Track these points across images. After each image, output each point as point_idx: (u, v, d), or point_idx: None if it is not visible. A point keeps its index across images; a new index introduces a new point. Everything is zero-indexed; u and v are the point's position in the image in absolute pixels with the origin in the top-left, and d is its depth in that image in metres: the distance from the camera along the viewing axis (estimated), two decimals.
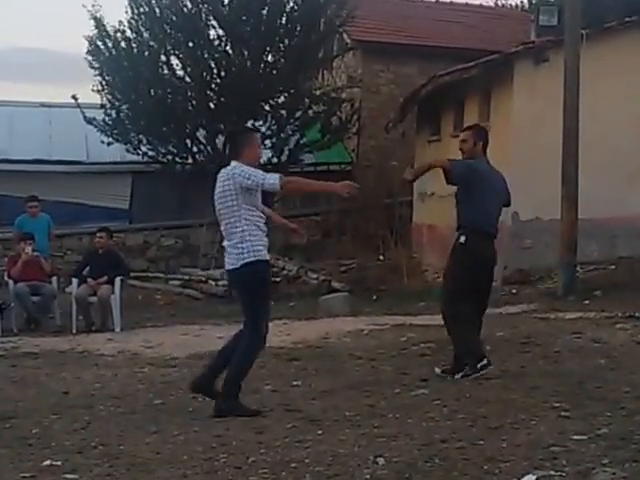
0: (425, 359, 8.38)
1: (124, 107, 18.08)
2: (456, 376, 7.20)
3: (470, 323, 7.32)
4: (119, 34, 17.86)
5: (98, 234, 12.51)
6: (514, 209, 13.93)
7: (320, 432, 5.60)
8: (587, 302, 11.58)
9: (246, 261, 6.28)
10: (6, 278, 12.09)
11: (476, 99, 15.32)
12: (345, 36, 20.68)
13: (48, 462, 5.17)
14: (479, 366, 7.07)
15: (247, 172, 6.29)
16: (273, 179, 6.30)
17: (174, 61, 17.97)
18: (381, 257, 17.25)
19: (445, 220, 16.16)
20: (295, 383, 7.47)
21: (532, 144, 13.72)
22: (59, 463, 5.15)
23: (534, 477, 4.29)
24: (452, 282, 7.45)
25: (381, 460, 4.80)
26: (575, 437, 5.00)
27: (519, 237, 14.02)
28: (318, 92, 18.99)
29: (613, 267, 13.66)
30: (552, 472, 4.37)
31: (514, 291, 13.44)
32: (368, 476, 4.54)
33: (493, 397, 6.31)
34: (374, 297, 14.79)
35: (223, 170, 6.43)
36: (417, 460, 4.76)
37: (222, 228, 6.42)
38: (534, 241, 13.85)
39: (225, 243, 6.40)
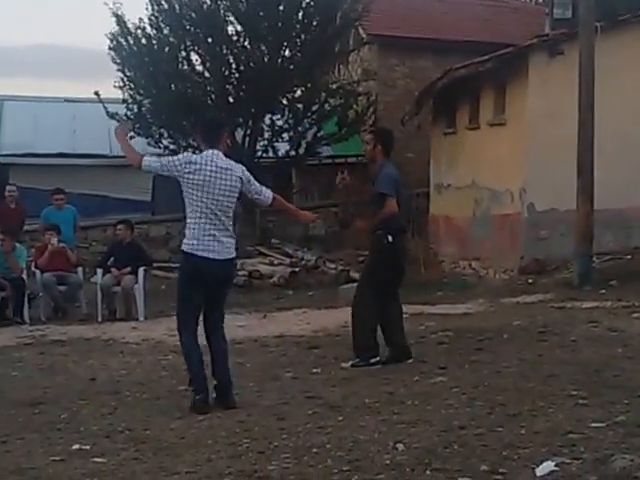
0: (443, 347, 8.46)
1: (145, 102, 18.28)
2: (345, 364, 7.65)
3: (380, 322, 7.81)
4: (140, 31, 18.08)
5: (118, 226, 12.68)
6: (530, 200, 14.04)
7: (340, 418, 5.69)
8: (603, 292, 11.60)
9: (235, 254, 6.53)
10: (34, 268, 12.27)
11: (491, 92, 15.37)
12: (361, 30, 20.74)
13: (77, 446, 5.28)
14: (372, 361, 7.63)
15: (256, 185, 6.54)
16: (269, 194, 6.62)
17: (193, 56, 18.18)
18: None
19: (461, 211, 16.30)
20: (315, 371, 7.57)
21: (547, 136, 13.76)
22: (87, 447, 5.26)
23: (553, 464, 4.32)
24: (372, 277, 7.84)
25: (401, 446, 4.87)
26: (593, 424, 5.05)
27: (535, 228, 14.08)
28: (334, 86, 19.07)
29: (629, 257, 13.68)
30: (570, 459, 4.42)
31: (530, 281, 13.49)
32: (388, 461, 4.61)
33: (511, 385, 6.38)
34: None
35: (229, 162, 6.42)
36: (436, 446, 4.83)
37: (219, 217, 6.31)
38: (550, 232, 13.90)
39: (222, 234, 6.33)
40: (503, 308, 11.39)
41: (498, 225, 15.02)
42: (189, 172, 6.23)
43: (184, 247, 6.35)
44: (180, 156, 6.44)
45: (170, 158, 6.41)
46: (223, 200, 6.30)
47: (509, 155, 14.59)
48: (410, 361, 7.70)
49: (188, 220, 6.34)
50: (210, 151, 6.36)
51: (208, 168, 6.26)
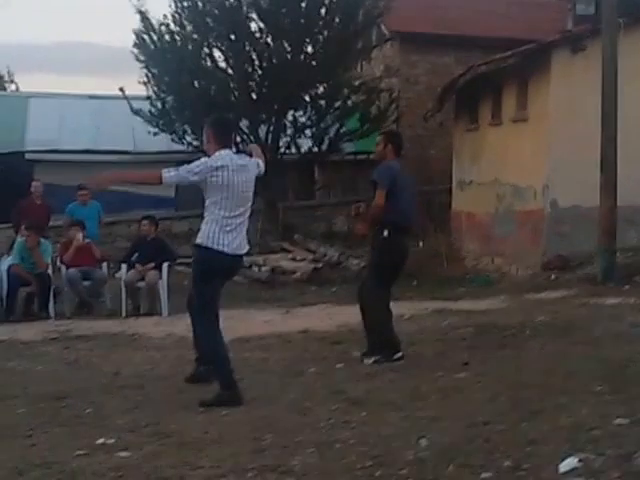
0: (466, 343, 8.46)
1: (169, 98, 18.36)
2: (367, 361, 7.65)
3: (387, 314, 7.86)
4: (163, 27, 18.17)
5: (143, 222, 12.76)
6: (553, 196, 13.99)
7: (364, 414, 5.71)
8: (627, 288, 11.56)
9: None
10: (59, 264, 12.37)
11: (514, 88, 15.32)
12: (383, 27, 20.74)
13: (101, 440, 5.31)
14: (395, 357, 7.65)
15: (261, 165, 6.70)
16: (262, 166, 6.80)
17: (216, 53, 18.26)
18: (421, 244, 17.31)
19: (484, 207, 16.27)
20: (338, 366, 7.59)
21: (570, 132, 13.70)
22: (112, 441, 5.29)
23: (576, 460, 4.31)
24: (375, 274, 7.89)
25: (424, 441, 4.88)
26: (616, 421, 5.02)
27: (558, 224, 14.03)
28: (357, 82, 19.07)
29: None
30: (594, 455, 4.41)
31: (553, 277, 13.46)
32: (411, 457, 4.62)
33: (534, 381, 6.37)
34: (414, 283, 14.85)
35: (244, 158, 6.55)
36: (460, 442, 4.84)
37: (239, 213, 6.38)
38: (573, 228, 13.84)
39: (240, 227, 6.41)
40: (526, 304, 11.36)
41: (521, 221, 14.97)
42: (213, 175, 6.26)
43: (200, 241, 6.36)
44: (198, 162, 6.38)
45: (187, 167, 6.36)
46: (243, 196, 6.38)
47: (532, 151, 14.54)
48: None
49: (207, 214, 6.37)
50: (226, 151, 6.42)
51: (232, 167, 6.31)
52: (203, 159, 6.40)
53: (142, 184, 6.56)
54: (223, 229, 6.30)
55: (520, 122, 15.13)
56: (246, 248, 6.51)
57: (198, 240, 6.39)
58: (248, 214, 6.49)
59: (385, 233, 7.70)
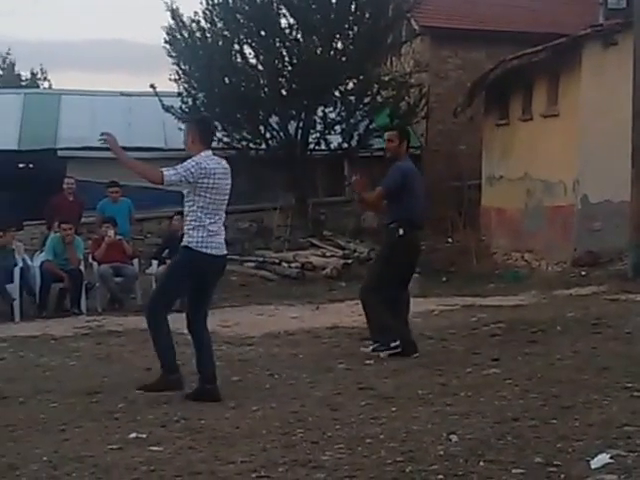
0: (496, 339, 8.45)
1: (200, 95, 18.41)
2: (365, 349, 7.90)
3: (388, 308, 7.90)
4: (194, 24, 18.23)
5: (175, 217, 12.82)
6: (584, 192, 13.91)
7: (394, 409, 5.73)
8: None
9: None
10: (91, 260, 12.47)
11: (544, 83, 15.25)
12: (413, 22, 20.68)
13: (134, 435, 5.36)
14: (393, 345, 7.73)
15: None
16: None
17: (247, 50, 18.26)
18: (450, 240, 17.28)
19: (514, 203, 16.21)
20: (368, 362, 7.59)
21: (601, 127, 13.62)
22: (144, 436, 5.34)
23: (607, 456, 4.31)
24: (382, 269, 7.94)
25: (454, 437, 4.90)
26: None
27: (589, 219, 13.95)
28: (386, 78, 19.03)
29: None
30: (625, 451, 4.42)
31: (584, 273, 13.39)
32: (442, 452, 4.64)
33: (565, 377, 6.37)
34: (443, 279, 14.86)
35: (222, 162, 6.59)
36: (490, 437, 4.85)
37: (220, 216, 6.53)
38: (604, 223, 13.76)
39: (222, 230, 6.56)
40: (556, 300, 11.32)
41: (551, 217, 14.91)
42: (204, 176, 6.38)
43: (191, 244, 6.47)
44: (192, 162, 6.46)
45: (184, 166, 6.45)
46: (223, 200, 6.53)
47: (562, 146, 14.47)
48: (416, 355, 7.75)
49: (193, 219, 6.48)
50: (209, 152, 6.55)
51: (218, 171, 6.46)
52: (195, 158, 6.48)
53: (143, 178, 6.65)
54: (208, 233, 6.43)
55: (551, 117, 15.06)
56: (225, 249, 6.62)
57: (190, 244, 6.49)
58: (222, 218, 6.60)
59: (401, 231, 7.79)
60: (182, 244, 6.59)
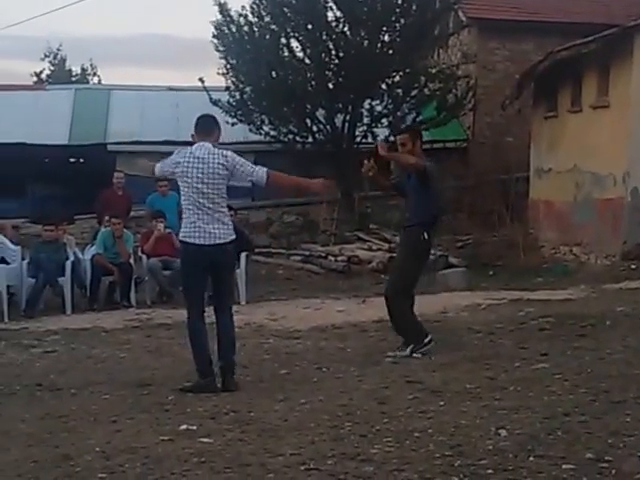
0: (544, 333, 8.38)
1: (247, 89, 18.51)
2: (403, 353, 7.67)
3: (411, 304, 7.92)
4: (242, 19, 18.32)
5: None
6: (634, 184, 13.74)
7: (442, 403, 5.72)
8: None
9: (232, 238, 6.74)
10: (140, 254, 12.61)
11: (594, 74, 15.07)
12: (460, 13, 20.57)
13: (184, 426, 5.41)
14: (426, 340, 7.72)
15: (247, 168, 6.73)
16: (262, 173, 6.72)
17: (294, 43, 18.33)
18: (497, 233, 17.17)
19: (562, 196, 16.06)
20: (415, 355, 7.58)
21: None
22: (194, 428, 5.38)
23: None
24: (412, 272, 7.86)
25: (503, 432, 4.87)
26: None
27: (639, 212, 13.78)
28: (434, 70, 18.95)
29: None
30: None
31: (633, 267, 13.23)
32: (491, 447, 4.62)
33: (615, 372, 6.31)
34: (490, 272, 14.78)
35: (207, 149, 6.69)
36: (539, 432, 4.82)
37: (202, 207, 6.60)
38: None
39: (206, 221, 6.61)
40: (605, 294, 11.21)
41: (600, 210, 14.75)
42: (175, 167, 6.69)
43: (181, 236, 6.74)
44: (172, 155, 6.77)
45: (166, 160, 6.85)
46: (203, 187, 6.58)
47: (612, 138, 14.30)
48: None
49: (184, 210, 6.73)
50: (195, 145, 6.74)
51: (186, 160, 6.66)
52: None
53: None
54: (190, 223, 6.62)
55: (600, 108, 14.88)
56: (213, 239, 6.63)
57: (181, 236, 6.76)
58: (218, 207, 6.67)
59: (425, 235, 7.73)
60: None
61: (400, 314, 7.84)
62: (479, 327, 8.98)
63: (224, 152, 6.74)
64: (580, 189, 15.49)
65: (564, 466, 4.26)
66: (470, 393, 5.99)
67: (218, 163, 6.64)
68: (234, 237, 6.78)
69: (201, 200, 6.61)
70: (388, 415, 5.46)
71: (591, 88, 15.17)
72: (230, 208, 12.75)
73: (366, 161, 7.78)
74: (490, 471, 4.26)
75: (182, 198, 6.74)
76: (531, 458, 4.41)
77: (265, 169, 6.77)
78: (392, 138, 18.90)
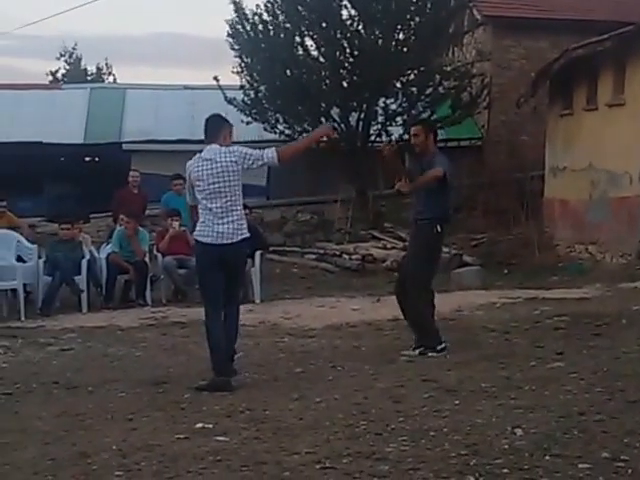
0: (560, 332, 8.37)
1: (262, 87, 18.52)
2: (411, 353, 7.64)
3: (432, 305, 7.88)
4: (257, 17, 18.32)
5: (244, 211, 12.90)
6: None
7: (457, 402, 5.73)
8: None
9: (245, 236, 6.81)
10: (155, 252, 12.63)
11: (610, 72, 15.00)
12: (475, 11, 20.52)
13: (200, 425, 5.43)
14: (439, 348, 7.63)
15: (255, 153, 6.81)
16: (272, 153, 6.80)
17: (308, 42, 18.33)
18: (512, 232, 17.13)
19: (577, 194, 16.00)
20: (430, 354, 7.57)
21: None
22: (210, 426, 5.41)
23: None
24: (427, 267, 7.85)
25: (519, 431, 4.88)
26: None
27: None
28: (448, 68, 18.92)
29: None
30: None
31: None
32: (506, 446, 4.63)
33: (630, 371, 6.30)
34: (505, 271, 14.75)
35: (214, 150, 6.81)
36: (555, 432, 4.83)
37: (210, 207, 6.72)
38: None
39: (216, 221, 6.72)
40: (621, 293, 11.18)
41: (616, 208, 14.69)
42: (191, 175, 6.86)
43: (197, 236, 6.90)
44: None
45: (185, 183, 7.20)
46: (212, 188, 6.70)
47: (628, 136, 14.23)
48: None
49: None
50: (208, 146, 6.88)
51: (197, 165, 6.82)
52: None
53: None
54: (202, 223, 6.78)
55: (616, 107, 14.82)
56: (233, 238, 6.73)
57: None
58: (229, 206, 6.75)
59: (438, 228, 7.73)
60: None
61: (415, 311, 7.81)
62: (494, 326, 8.97)
63: (231, 149, 6.83)
64: (595, 187, 15.44)
65: (580, 465, 4.27)
66: (485, 392, 6.00)
67: (228, 161, 6.73)
68: (247, 236, 6.83)
69: (210, 202, 6.71)
70: (403, 414, 5.47)
71: (607, 86, 15.11)
72: (245, 207, 12.84)
73: (387, 140, 7.85)
74: (506, 470, 4.27)
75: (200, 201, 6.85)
76: (547, 457, 4.41)
77: (273, 148, 6.89)
78: (406, 136, 18.97)
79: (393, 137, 18.67)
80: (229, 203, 6.73)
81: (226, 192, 6.70)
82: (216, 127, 7.02)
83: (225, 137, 6.95)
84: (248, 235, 6.87)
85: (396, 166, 8.17)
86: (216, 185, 6.68)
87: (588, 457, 4.38)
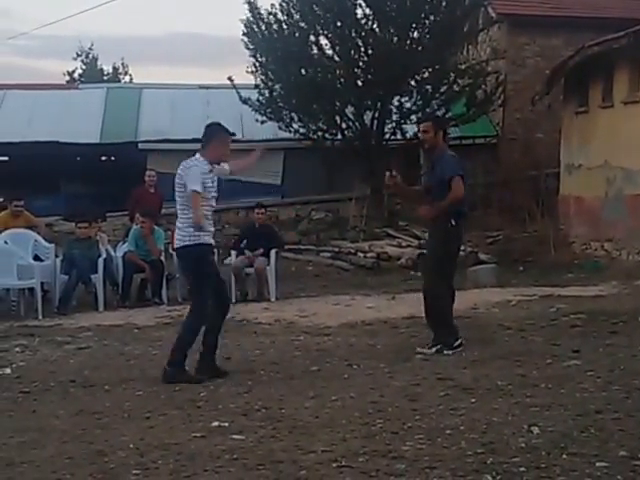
0: (576, 330, 8.35)
1: (277, 87, 18.54)
2: (427, 351, 7.63)
3: (451, 303, 7.89)
4: (271, 17, 18.34)
5: (257, 210, 12.94)
6: None
7: (473, 400, 5.72)
8: None
9: (184, 244, 7.08)
10: (171, 251, 12.64)
11: (626, 69, 14.94)
12: (490, 9, 20.46)
13: (216, 423, 5.45)
14: (455, 344, 7.63)
15: (184, 180, 7.05)
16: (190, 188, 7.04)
17: (323, 41, 18.34)
18: (527, 229, 17.09)
19: (593, 192, 15.94)
20: (445, 352, 7.57)
21: None
22: (226, 424, 5.42)
23: None
24: (442, 264, 7.81)
25: (535, 429, 4.87)
26: None
27: None
28: (463, 66, 18.88)
29: None
30: None
31: None
32: (523, 445, 4.62)
33: None
34: (521, 268, 14.71)
35: (191, 158, 7.17)
36: (572, 430, 4.82)
37: (177, 213, 7.20)
38: None
39: (179, 224, 7.16)
40: (637, 290, 11.14)
41: (631, 205, 14.63)
42: (205, 180, 7.18)
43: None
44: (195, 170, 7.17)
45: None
46: (176, 193, 7.15)
47: None
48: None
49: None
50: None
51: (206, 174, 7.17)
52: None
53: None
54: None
55: (632, 104, 14.75)
56: (176, 245, 7.25)
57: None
58: (182, 214, 7.16)
59: (453, 222, 7.70)
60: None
61: (437, 309, 7.79)
62: (510, 323, 8.95)
63: (188, 163, 7.14)
64: (611, 185, 15.38)
65: (597, 464, 4.26)
66: (501, 390, 5.99)
67: (180, 172, 7.11)
68: (187, 244, 7.07)
69: (177, 208, 7.16)
70: (419, 412, 5.47)
71: (622, 83, 15.04)
72: (261, 206, 12.95)
73: (388, 173, 7.86)
74: (523, 469, 4.26)
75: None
76: (564, 456, 4.41)
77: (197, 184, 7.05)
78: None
79: (407, 135, 18.70)
80: (181, 212, 7.12)
81: (179, 202, 7.12)
82: (206, 137, 7.31)
83: (215, 148, 7.21)
84: (188, 244, 7.07)
85: (405, 192, 8.18)
86: (176, 192, 7.15)
87: (605, 455, 4.36)
